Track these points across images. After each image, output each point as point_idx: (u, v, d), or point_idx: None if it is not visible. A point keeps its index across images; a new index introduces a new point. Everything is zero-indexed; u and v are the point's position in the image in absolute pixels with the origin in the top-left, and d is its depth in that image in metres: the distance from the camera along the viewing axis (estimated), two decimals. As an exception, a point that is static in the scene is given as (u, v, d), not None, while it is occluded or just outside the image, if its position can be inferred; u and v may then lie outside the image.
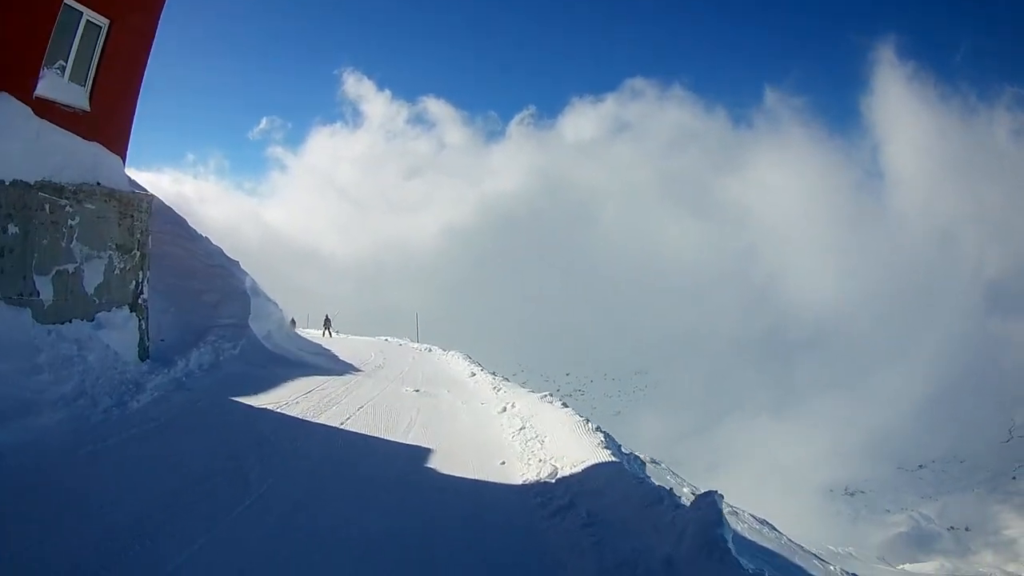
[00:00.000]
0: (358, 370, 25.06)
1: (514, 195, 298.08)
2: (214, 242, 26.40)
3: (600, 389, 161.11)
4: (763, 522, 24.84)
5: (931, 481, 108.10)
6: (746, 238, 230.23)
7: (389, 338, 46.18)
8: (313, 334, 42.14)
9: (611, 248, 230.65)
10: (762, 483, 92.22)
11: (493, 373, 29.61)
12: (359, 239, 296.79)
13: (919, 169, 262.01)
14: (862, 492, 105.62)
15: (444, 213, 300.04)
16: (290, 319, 42.32)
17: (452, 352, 35.68)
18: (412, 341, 45.86)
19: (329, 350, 30.33)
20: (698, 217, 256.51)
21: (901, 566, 44.16)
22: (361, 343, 39.67)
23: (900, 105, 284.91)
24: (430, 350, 37.49)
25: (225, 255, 26.24)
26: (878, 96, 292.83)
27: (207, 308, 22.93)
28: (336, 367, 24.69)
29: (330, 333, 46.21)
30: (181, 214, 26.36)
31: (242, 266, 26.89)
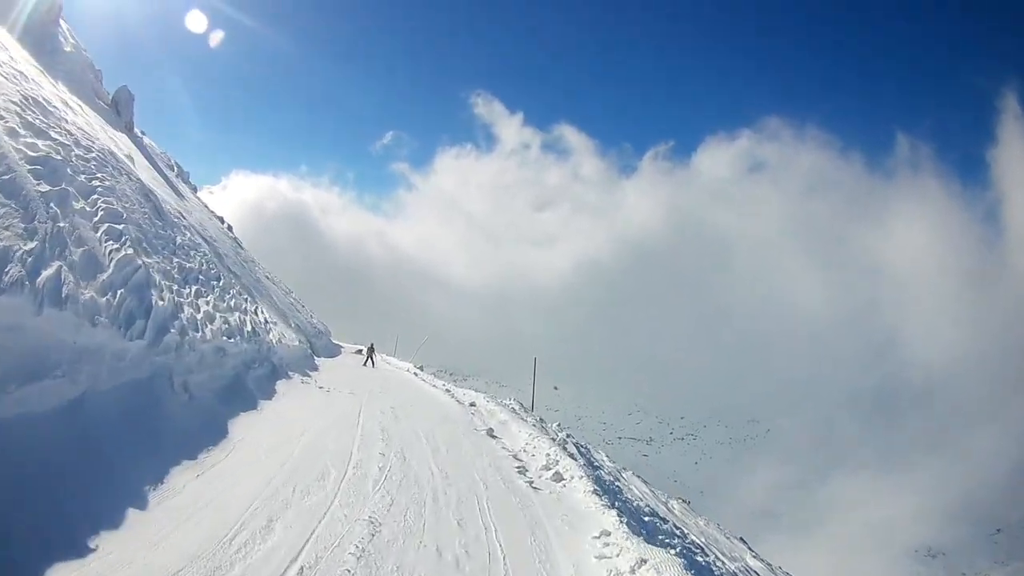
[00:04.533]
0: None
1: (646, 233, 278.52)
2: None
3: (712, 435, 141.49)
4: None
5: (1005, 546, 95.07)
6: (872, 290, 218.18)
7: (481, 399, 22.41)
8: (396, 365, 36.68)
9: (739, 292, 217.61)
10: (854, 542, 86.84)
11: None
12: (487, 267, 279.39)
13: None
14: (943, 554, 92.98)
15: (574, 247, 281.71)
16: (369, 345, 35.88)
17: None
18: (521, 412, 21.83)
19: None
20: (828, 266, 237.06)
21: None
22: (409, 419, 15.72)
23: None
24: (560, 482, 12.18)
25: None
26: (1002, 147, 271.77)
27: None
28: None
29: (372, 363, 34.40)
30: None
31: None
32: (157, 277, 13.01)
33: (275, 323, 25.12)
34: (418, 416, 15.54)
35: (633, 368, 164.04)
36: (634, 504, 13.59)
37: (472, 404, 19.97)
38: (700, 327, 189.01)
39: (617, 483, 15.84)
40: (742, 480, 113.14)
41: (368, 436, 12.18)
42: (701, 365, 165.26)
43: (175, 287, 14.05)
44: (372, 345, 36.22)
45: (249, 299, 23.44)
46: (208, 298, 16.37)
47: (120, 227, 12.23)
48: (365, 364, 33.44)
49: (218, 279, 19.44)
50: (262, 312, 23.44)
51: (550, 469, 12.23)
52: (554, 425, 21.06)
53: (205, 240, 25.20)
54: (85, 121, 19.70)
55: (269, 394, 14.99)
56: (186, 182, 44.94)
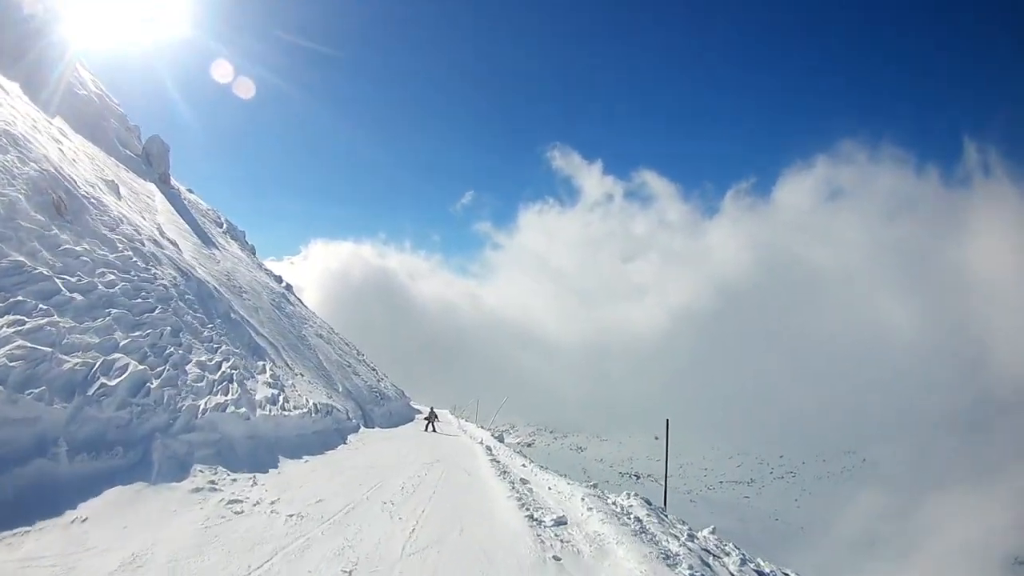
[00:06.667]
0: None
1: (734, 274, 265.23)
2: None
3: (811, 471, 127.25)
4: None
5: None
6: (960, 307, 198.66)
7: (578, 504, 10.68)
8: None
9: (829, 324, 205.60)
10: (949, 560, 78.19)
11: None
12: (580, 324, 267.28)
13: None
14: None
15: (665, 297, 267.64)
16: (429, 410, 30.94)
17: None
18: (660, 533, 9.44)
19: None
20: (914, 287, 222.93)
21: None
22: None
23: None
24: None
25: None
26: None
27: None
28: None
29: (433, 428, 28.20)
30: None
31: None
32: None
33: (280, 387, 15.74)
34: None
35: (731, 411, 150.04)
36: None
37: (559, 522, 8.63)
38: (793, 362, 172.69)
39: None
40: (841, 512, 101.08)
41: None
42: (796, 401, 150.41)
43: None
44: (432, 410, 30.83)
45: (225, 349, 14.30)
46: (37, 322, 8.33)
47: None
48: (426, 430, 27.59)
49: (147, 312, 11.85)
50: (236, 368, 13.62)
51: None
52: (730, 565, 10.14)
53: (184, 275, 16.82)
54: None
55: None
56: (237, 239, 37.61)
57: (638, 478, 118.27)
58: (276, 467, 10.38)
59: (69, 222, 12.05)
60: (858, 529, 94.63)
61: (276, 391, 14.95)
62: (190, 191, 37.61)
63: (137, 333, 10.60)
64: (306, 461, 11.75)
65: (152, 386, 9.39)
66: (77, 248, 11.38)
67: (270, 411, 13.14)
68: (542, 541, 7.41)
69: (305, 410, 15.53)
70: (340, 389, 24.88)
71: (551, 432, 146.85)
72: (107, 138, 27.82)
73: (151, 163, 31.50)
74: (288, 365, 20.30)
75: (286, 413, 14.04)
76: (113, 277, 11.70)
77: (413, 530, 7.37)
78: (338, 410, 19.30)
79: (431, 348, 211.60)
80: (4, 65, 21.17)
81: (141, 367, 9.47)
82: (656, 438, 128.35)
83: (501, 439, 31.45)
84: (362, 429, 21.19)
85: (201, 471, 8.43)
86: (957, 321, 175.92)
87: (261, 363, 16.69)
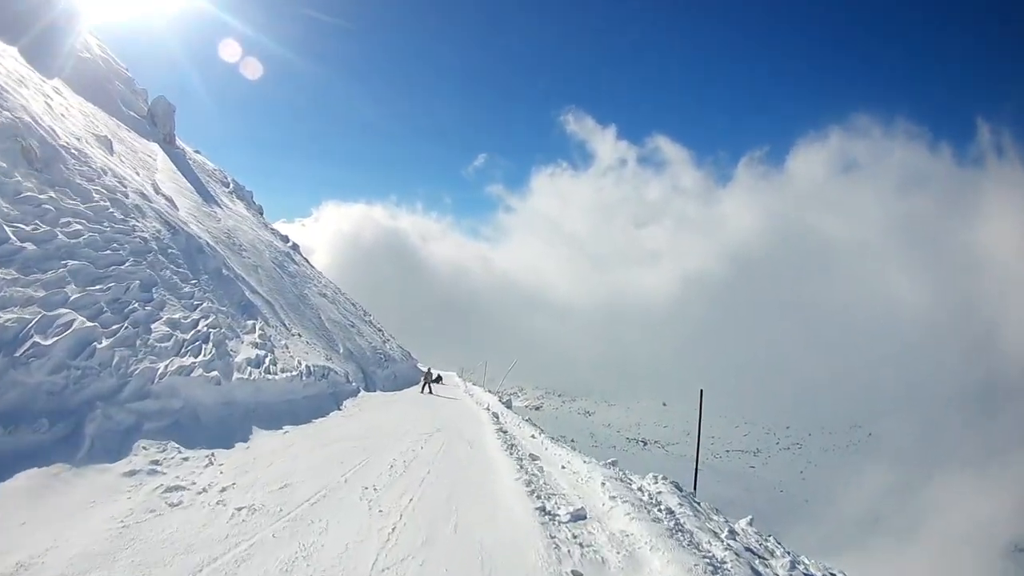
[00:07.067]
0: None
1: (747, 242, 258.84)
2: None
3: (817, 443, 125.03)
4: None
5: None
6: (970, 285, 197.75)
7: (598, 491, 8.57)
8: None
9: (839, 296, 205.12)
10: (952, 542, 76.01)
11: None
12: (592, 288, 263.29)
13: None
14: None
15: (677, 263, 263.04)
16: (427, 371, 29.93)
17: None
18: (700, 529, 8.41)
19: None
20: (925, 263, 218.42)
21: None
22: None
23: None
24: None
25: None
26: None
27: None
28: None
29: (430, 389, 27.37)
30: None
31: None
32: None
33: (269, 348, 14.59)
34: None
35: (740, 379, 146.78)
36: None
37: (576, 516, 6.86)
38: (803, 333, 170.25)
39: None
40: (846, 486, 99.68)
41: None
42: (806, 371, 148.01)
43: None
44: (429, 370, 29.94)
45: (207, 307, 12.81)
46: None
47: None
48: (422, 391, 27.00)
49: (114, 264, 10.53)
50: (217, 327, 12.16)
51: None
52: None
53: (171, 228, 15.44)
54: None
55: None
56: (244, 199, 36.45)
57: (645, 444, 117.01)
58: (246, 441, 8.86)
59: (38, 170, 11.19)
60: (862, 504, 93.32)
61: (263, 352, 13.52)
62: (197, 151, 36.48)
63: (97, 287, 9.24)
64: (285, 432, 10.20)
65: (100, 346, 7.90)
66: (40, 196, 10.35)
67: (250, 374, 11.68)
68: (557, 546, 5.77)
69: (295, 373, 14.07)
70: (341, 350, 23.70)
71: (559, 396, 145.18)
72: (110, 99, 26.88)
73: (156, 124, 30.34)
74: (284, 325, 18.97)
75: (271, 376, 12.57)
76: (79, 227, 10.44)
77: (394, 529, 5.77)
78: (336, 372, 17.98)
79: (441, 310, 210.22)
80: (11, 33, 20.15)
81: (90, 324, 7.99)
82: (664, 404, 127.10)
83: (509, 405, 29.91)
84: (362, 393, 19.82)
85: (145, 448, 6.91)
86: (966, 300, 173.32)
87: (251, 322, 15.31)
